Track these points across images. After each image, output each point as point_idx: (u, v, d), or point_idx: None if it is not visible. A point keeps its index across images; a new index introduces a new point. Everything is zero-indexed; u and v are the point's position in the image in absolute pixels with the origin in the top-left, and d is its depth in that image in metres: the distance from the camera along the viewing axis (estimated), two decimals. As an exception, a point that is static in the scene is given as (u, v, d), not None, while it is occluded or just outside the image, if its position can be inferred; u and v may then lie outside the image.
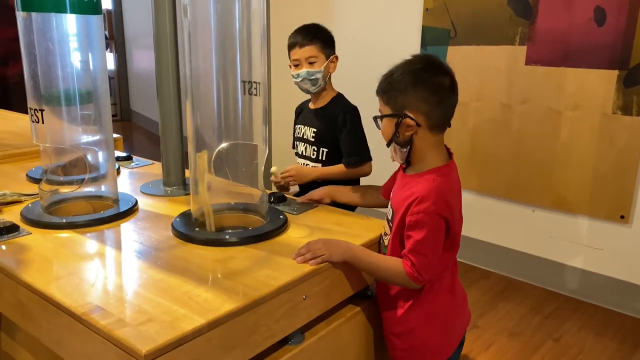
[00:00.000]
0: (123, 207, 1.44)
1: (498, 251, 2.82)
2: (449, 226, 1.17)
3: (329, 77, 1.87)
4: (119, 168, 1.86)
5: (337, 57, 1.85)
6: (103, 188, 1.49)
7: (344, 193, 1.55)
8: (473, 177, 2.81)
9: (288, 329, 1.10)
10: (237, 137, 1.29)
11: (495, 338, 2.24)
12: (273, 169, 1.85)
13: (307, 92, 1.88)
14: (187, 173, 1.65)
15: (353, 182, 1.83)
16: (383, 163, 1.35)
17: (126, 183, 1.74)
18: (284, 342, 1.11)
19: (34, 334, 1.11)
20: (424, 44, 2.91)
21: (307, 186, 1.79)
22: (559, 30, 2.44)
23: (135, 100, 7.21)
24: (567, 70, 2.44)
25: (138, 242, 1.26)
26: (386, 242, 1.28)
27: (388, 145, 1.23)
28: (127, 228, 1.36)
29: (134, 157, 2.03)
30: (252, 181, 1.38)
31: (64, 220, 1.34)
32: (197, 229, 1.30)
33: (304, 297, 1.11)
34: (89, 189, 1.47)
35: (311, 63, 1.79)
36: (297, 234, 1.32)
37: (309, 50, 1.79)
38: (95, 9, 1.34)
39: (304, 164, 1.93)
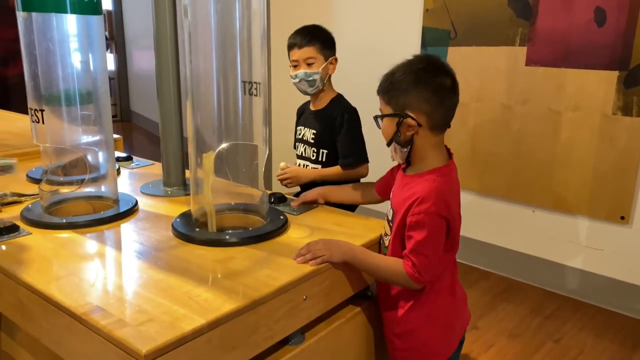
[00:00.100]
0: (123, 208, 1.44)
1: (498, 252, 2.82)
2: (449, 226, 1.17)
3: (329, 79, 1.86)
4: (119, 168, 1.86)
5: (336, 59, 1.85)
6: (103, 188, 1.49)
7: (337, 192, 1.56)
8: (473, 177, 2.81)
9: (288, 330, 1.10)
10: (238, 137, 1.29)
11: (495, 339, 2.24)
12: (282, 164, 1.86)
13: (305, 93, 1.88)
14: (188, 173, 1.65)
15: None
16: (384, 163, 1.34)
17: (126, 183, 1.74)
18: (284, 342, 1.11)
19: (33, 334, 1.11)
20: (424, 44, 2.91)
21: (307, 187, 1.79)
22: (559, 31, 2.44)
23: (135, 101, 7.21)
24: (567, 71, 2.44)
25: (138, 242, 1.26)
26: (386, 243, 1.28)
27: (388, 144, 1.23)
28: (127, 228, 1.35)
29: (134, 158, 2.03)
30: (252, 181, 1.38)
31: (64, 221, 1.34)
32: (197, 229, 1.30)
33: (304, 297, 1.11)
34: (89, 190, 1.47)
35: (309, 64, 1.79)
36: (297, 234, 1.32)
37: (307, 52, 1.79)
38: (96, 9, 1.34)
39: (304, 165, 1.93)
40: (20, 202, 1.50)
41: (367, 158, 1.83)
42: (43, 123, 1.33)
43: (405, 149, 1.20)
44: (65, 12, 1.29)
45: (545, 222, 2.64)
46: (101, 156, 1.47)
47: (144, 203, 1.53)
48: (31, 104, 1.34)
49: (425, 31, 2.89)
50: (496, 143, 2.72)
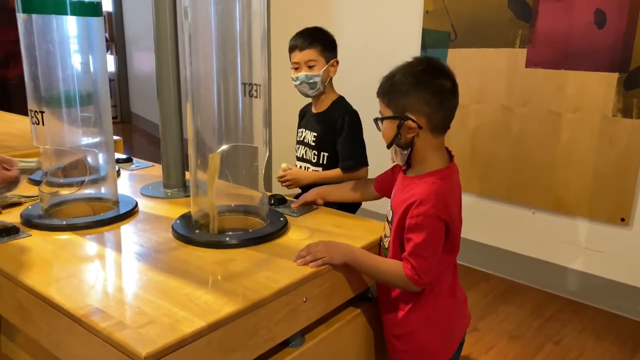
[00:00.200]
0: (123, 209, 1.44)
1: (498, 254, 2.82)
2: (448, 229, 1.17)
3: (330, 81, 1.86)
4: (119, 170, 1.86)
5: (337, 61, 1.85)
6: (103, 190, 1.49)
7: (335, 191, 1.56)
8: (473, 179, 2.81)
9: (288, 332, 1.09)
10: (238, 139, 1.28)
11: (495, 341, 2.24)
12: (283, 165, 1.86)
13: (306, 95, 1.88)
14: (188, 175, 1.64)
15: None
16: (385, 164, 1.34)
17: (126, 185, 1.74)
18: (284, 344, 1.11)
19: (33, 336, 1.11)
20: (424, 46, 2.91)
21: (307, 189, 1.79)
22: (559, 33, 2.44)
23: (135, 102, 7.21)
24: (568, 72, 2.44)
25: (138, 244, 1.26)
26: (386, 244, 1.28)
27: (389, 147, 1.23)
28: (127, 230, 1.35)
29: (134, 159, 2.03)
30: (252, 183, 1.38)
31: (64, 222, 1.34)
32: (197, 231, 1.30)
33: (305, 299, 1.11)
34: (89, 191, 1.47)
35: (310, 67, 1.79)
36: (297, 236, 1.32)
37: (309, 54, 1.79)
38: (96, 11, 1.34)
39: (305, 167, 1.93)
40: (20, 203, 1.50)
41: (367, 161, 1.83)
42: (43, 125, 1.33)
43: (406, 151, 1.20)
44: (66, 14, 1.29)
45: (545, 223, 2.64)
46: (101, 158, 1.47)
47: (144, 205, 1.53)
48: (31, 105, 1.34)
49: (425, 33, 2.89)
50: (496, 144, 2.72)
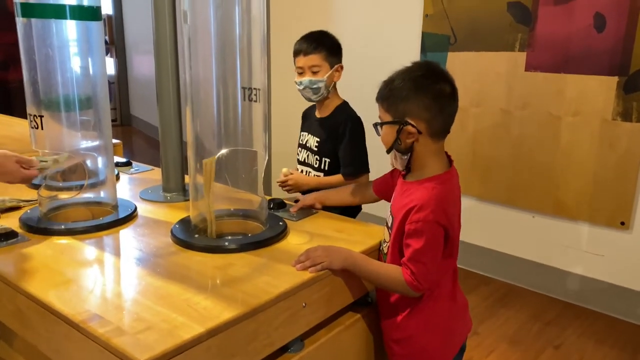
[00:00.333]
0: (122, 214, 1.43)
1: (498, 257, 2.82)
2: (447, 234, 1.17)
3: (334, 86, 1.85)
4: (118, 174, 1.85)
5: (342, 67, 1.84)
6: (102, 194, 1.49)
7: (333, 195, 1.56)
8: (473, 182, 2.81)
9: (287, 337, 1.09)
10: (237, 143, 1.28)
11: (495, 345, 2.23)
12: (284, 170, 1.85)
13: (310, 100, 1.87)
14: (187, 179, 1.64)
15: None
16: (385, 167, 1.34)
17: (125, 189, 1.74)
18: (284, 349, 1.11)
19: (32, 341, 1.11)
20: (423, 50, 2.91)
21: (307, 194, 1.79)
22: (558, 37, 2.44)
23: (135, 105, 7.22)
24: (567, 76, 2.44)
25: (137, 248, 1.26)
26: (385, 250, 1.27)
27: (388, 152, 1.23)
28: (126, 234, 1.35)
29: (134, 163, 2.03)
30: (251, 187, 1.38)
31: (62, 227, 1.34)
32: (196, 236, 1.29)
33: (304, 304, 1.10)
34: (88, 195, 1.47)
35: (315, 72, 1.78)
36: (296, 240, 1.32)
37: (313, 59, 1.77)
38: (95, 15, 1.34)
39: (306, 172, 1.92)
40: (19, 207, 1.50)
41: (368, 168, 1.82)
42: (42, 129, 1.33)
43: (406, 156, 1.20)
44: (65, 18, 1.29)
45: (545, 227, 2.64)
46: (100, 161, 1.46)
47: (143, 209, 1.52)
48: (30, 109, 1.34)
49: (425, 36, 2.89)
50: (496, 148, 2.72)
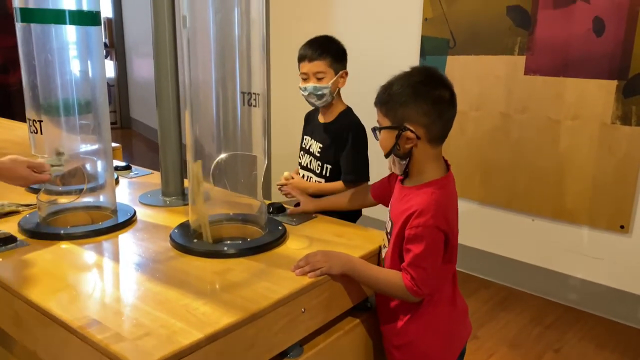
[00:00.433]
0: (121, 218, 1.43)
1: (498, 261, 2.81)
2: (447, 239, 1.16)
3: (338, 92, 1.84)
4: (117, 178, 1.85)
5: (347, 73, 1.83)
6: (102, 198, 1.49)
7: (332, 201, 1.56)
8: (472, 186, 2.81)
9: (287, 342, 1.09)
10: (237, 147, 1.28)
11: (495, 348, 2.23)
12: (285, 174, 1.85)
13: (314, 105, 1.86)
14: (186, 183, 1.64)
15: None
16: (386, 171, 1.33)
17: (125, 193, 1.73)
18: (283, 355, 1.10)
19: (31, 347, 1.10)
20: (423, 53, 2.91)
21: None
22: (558, 40, 2.44)
23: (135, 108, 7.22)
24: (566, 80, 2.45)
25: (136, 253, 1.25)
26: (384, 255, 1.27)
27: (387, 156, 1.23)
28: (125, 239, 1.35)
29: (133, 167, 2.03)
30: (251, 192, 1.38)
31: (61, 231, 1.34)
32: (195, 240, 1.29)
33: (303, 310, 1.10)
34: (87, 200, 1.47)
35: (319, 78, 1.77)
36: (296, 245, 1.32)
37: (318, 66, 1.76)
38: (95, 20, 1.34)
39: (308, 177, 1.91)
40: (18, 212, 1.50)
41: (369, 177, 1.81)
42: (41, 134, 1.33)
43: (404, 161, 1.20)
44: (65, 23, 1.29)
45: (544, 231, 2.63)
46: (100, 166, 1.46)
47: (143, 213, 1.52)
48: (29, 114, 1.34)
49: (424, 40, 2.89)
50: (495, 151, 2.72)
